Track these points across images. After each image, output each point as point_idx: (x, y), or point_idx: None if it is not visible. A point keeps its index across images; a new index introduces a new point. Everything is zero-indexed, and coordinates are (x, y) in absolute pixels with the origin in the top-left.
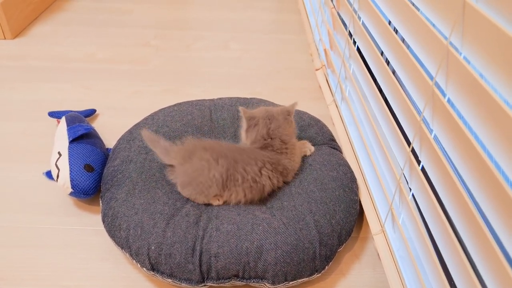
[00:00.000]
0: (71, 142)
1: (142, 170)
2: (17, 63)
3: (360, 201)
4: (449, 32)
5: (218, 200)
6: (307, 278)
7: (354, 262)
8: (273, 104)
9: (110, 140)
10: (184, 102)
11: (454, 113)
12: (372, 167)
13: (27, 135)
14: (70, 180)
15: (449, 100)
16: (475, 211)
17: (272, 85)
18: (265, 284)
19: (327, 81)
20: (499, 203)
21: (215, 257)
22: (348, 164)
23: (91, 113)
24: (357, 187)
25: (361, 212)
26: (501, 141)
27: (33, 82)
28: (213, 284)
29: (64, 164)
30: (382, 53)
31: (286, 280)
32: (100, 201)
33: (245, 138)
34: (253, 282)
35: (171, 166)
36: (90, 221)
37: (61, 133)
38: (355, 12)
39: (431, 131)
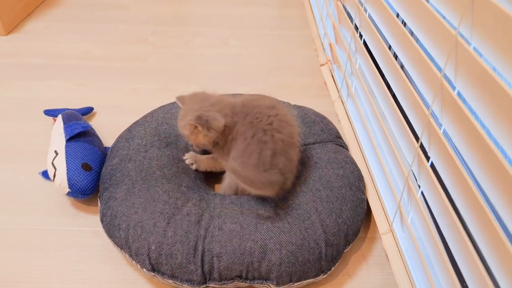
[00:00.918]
0: (68, 140)
1: (141, 168)
2: (10, 60)
3: (367, 200)
4: (458, 23)
5: None
6: (312, 279)
7: (361, 262)
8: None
9: (107, 138)
10: None
11: (464, 106)
12: (379, 164)
13: (21, 134)
14: (67, 180)
15: (458, 93)
16: (487, 208)
17: (274, 82)
18: (269, 285)
19: (332, 76)
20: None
21: (217, 257)
22: (355, 162)
23: (88, 111)
24: (364, 186)
25: (368, 211)
26: None
27: (27, 79)
28: (216, 285)
29: (61, 163)
30: (390, 47)
31: (291, 281)
32: (98, 201)
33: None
34: (257, 283)
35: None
36: (88, 222)
37: (57, 131)
38: (361, 4)
39: (440, 125)
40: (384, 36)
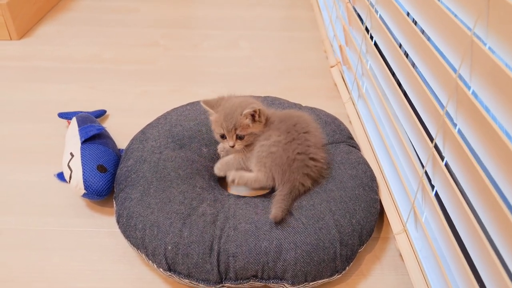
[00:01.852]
0: (83, 142)
1: (156, 169)
2: (23, 63)
3: (380, 200)
4: (474, 23)
5: None
6: (327, 279)
7: (375, 263)
8: (287, 102)
9: (120, 140)
10: (197, 101)
11: (479, 106)
12: (392, 165)
13: (34, 136)
14: (83, 181)
15: (473, 93)
16: (504, 206)
17: (284, 84)
18: (284, 285)
19: (343, 78)
20: None
21: (233, 257)
22: (367, 162)
23: (101, 113)
24: (377, 186)
25: (381, 212)
26: None
27: (39, 82)
28: (231, 285)
29: (77, 165)
30: (400, 46)
31: (306, 281)
32: (114, 202)
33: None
34: (273, 282)
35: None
36: (103, 223)
37: (72, 133)
38: (372, 6)
39: (455, 125)
40: (395, 37)
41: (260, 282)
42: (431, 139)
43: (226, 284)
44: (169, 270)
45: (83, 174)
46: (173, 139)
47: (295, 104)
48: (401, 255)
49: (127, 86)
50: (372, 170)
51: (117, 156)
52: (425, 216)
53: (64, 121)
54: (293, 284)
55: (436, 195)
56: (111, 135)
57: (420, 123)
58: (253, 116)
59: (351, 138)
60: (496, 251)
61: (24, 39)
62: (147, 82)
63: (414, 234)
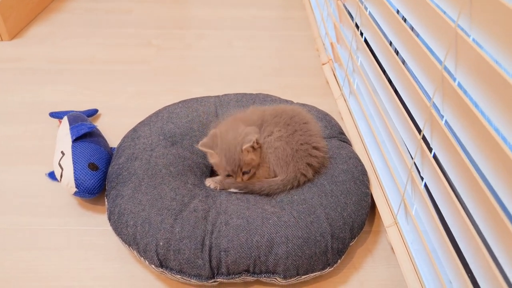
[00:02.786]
0: (74, 141)
1: (148, 167)
2: (15, 64)
3: (371, 195)
4: (457, 15)
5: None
6: (319, 272)
7: (367, 256)
8: (279, 99)
9: (113, 140)
10: (189, 99)
11: (465, 96)
12: (382, 158)
13: (27, 137)
14: (74, 179)
15: (459, 84)
16: (490, 196)
17: (278, 82)
18: (276, 279)
19: (334, 75)
20: None
21: (225, 251)
22: (358, 157)
23: (93, 113)
24: (368, 180)
25: (372, 206)
26: None
27: (31, 84)
28: (224, 280)
29: (68, 163)
30: (391, 43)
31: (298, 274)
32: (106, 200)
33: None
34: (264, 276)
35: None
36: (95, 221)
37: (63, 132)
38: (361, 2)
39: (441, 117)
40: (384, 33)
41: (252, 276)
42: (419, 131)
43: (219, 279)
44: (161, 266)
45: (74, 172)
46: (164, 137)
47: (287, 101)
48: (392, 248)
49: (120, 86)
50: (363, 164)
51: (109, 154)
52: (415, 208)
53: (56, 121)
54: (285, 278)
55: (426, 187)
56: (104, 134)
57: (409, 115)
58: (252, 147)
59: (342, 133)
60: (484, 241)
61: (15, 40)
62: (140, 82)
63: (404, 226)
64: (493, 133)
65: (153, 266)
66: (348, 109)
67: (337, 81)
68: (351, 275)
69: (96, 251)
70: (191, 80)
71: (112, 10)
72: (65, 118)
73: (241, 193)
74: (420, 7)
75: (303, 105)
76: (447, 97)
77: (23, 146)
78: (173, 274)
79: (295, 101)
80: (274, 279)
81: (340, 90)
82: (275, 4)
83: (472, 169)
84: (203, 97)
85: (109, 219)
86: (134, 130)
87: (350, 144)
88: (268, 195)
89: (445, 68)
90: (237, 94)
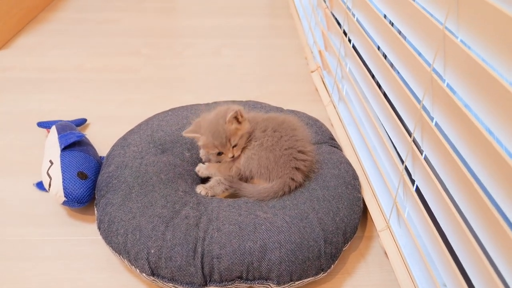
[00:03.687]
0: (63, 150)
1: (138, 174)
2: (3, 74)
3: (363, 199)
4: (445, 17)
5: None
6: (313, 278)
7: (360, 261)
8: (268, 106)
9: (102, 149)
10: (178, 107)
11: (454, 97)
12: (373, 163)
13: (15, 146)
14: (63, 188)
15: (448, 85)
16: (483, 196)
17: (267, 89)
18: (269, 285)
19: (323, 82)
20: (511, 188)
21: (217, 258)
22: (349, 162)
23: (82, 122)
24: (359, 184)
25: (365, 211)
26: (506, 122)
27: (19, 93)
28: (216, 287)
29: (56, 172)
30: (379, 48)
31: (291, 280)
32: (95, 208)
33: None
34: (258, 283)
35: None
36: (85, 231)
37: (52, 141)
38: (349, 9)
39: (431, 118)
40: (372, 38)
41: (245, 283)
42: (410, 134)
43: (211, 287)
44: (152, 274)
45: (63, 181)
46: (154, 144)
47: (277, 108)
48: (385, 252)
49: (109, 95)
50: (354, 169)
51: (98, 163)
52: (407, 212)
53: (44, 130)
54: (278, 284)
55: (417, 190)
56: (93, 143)
57: (399, 118)
58: (236, 118)
59: (332, 139)
60: (479, 242)
61: (3, 50)
62: (129, 90)
63: (397, 230)
64: (483, 132)
65: (144, 274)
66: (338, 115)
67: (326, 88)
68: (344, 281)
69: (86, 261)
70: (180, 88)
71: (101, 20)
72: (54, 128)
73: (231, 197)
74: (407, 10)
75: (293, 111)
76: (437, 98)
77: (10, 157)
78: (164, 283)
79: (284, 108)
80: (267, 286)
81: (330, 96)
82: (263, 13)
83: (464, 170)
84: (193, 105)
85: (99, 228)
86: (124, 138)
87: (340, 150)
88: (258, 201)
89: (434, 70)
90: (226, 101)
